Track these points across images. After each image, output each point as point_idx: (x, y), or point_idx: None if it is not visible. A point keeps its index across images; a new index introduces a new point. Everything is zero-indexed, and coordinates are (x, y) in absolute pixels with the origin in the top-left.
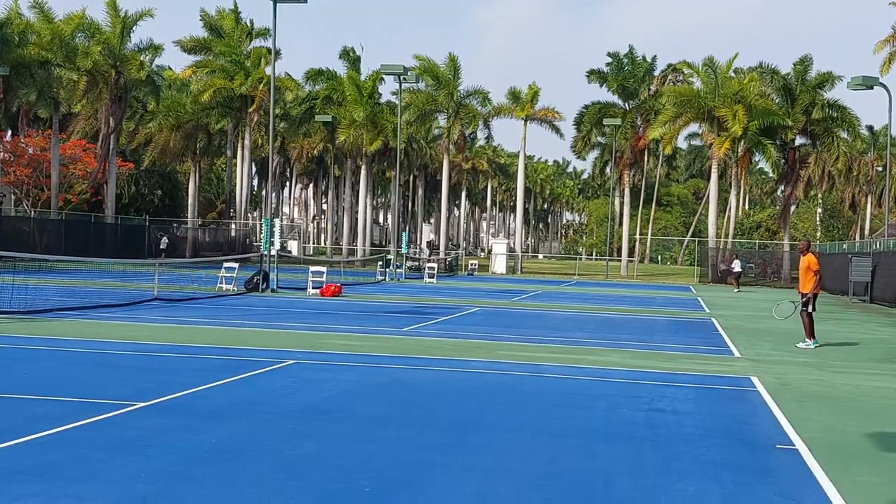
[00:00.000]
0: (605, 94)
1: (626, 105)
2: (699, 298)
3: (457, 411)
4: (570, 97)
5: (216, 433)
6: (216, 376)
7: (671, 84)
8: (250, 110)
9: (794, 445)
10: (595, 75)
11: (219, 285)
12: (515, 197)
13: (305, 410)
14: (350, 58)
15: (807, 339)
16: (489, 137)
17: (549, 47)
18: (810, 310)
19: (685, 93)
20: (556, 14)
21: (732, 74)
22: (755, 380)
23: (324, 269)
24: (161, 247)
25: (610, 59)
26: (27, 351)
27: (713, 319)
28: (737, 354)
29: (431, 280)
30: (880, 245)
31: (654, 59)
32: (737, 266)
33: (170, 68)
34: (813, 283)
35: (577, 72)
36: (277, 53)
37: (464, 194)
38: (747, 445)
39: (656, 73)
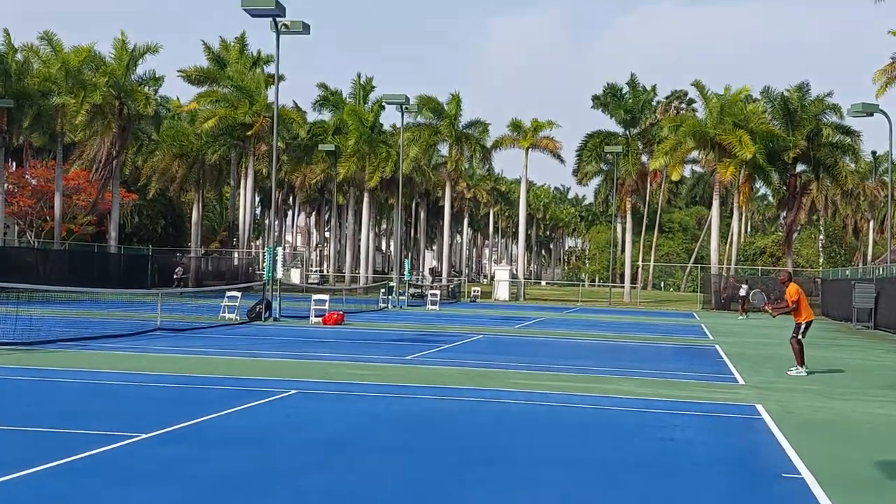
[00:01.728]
0: (607, 121)
1: (628, 132)
2: (703, 325)
3: (462, 441)
4: (569, 120)
5: (218, 465)
6: (218, 407)
7: (674, 112)
8: (249, 133)
9: (799, 474)
10: (598, 101)
11: (221, 314)
12: (517, 223)
13: (307, 441)
14: (361, 87)
15: (797, 367)
16: (490, 169)
17: (548, 72)
18: (799, 337)
19: (687, 122)
20: (555, 40)
21: (742, 95)
22: (760, 407)
23: (326, 297)
24: (174, 276)
25: (608, 90)
26: (30, 382)
27: (717, 346)
28: (741, 382)
29: (434, 307)
30: (883, 271)
31: (653, 87)
32: (743, 291)
33: (177, 99)
34: (797, 312)
35: (576, 95)
36: (281, 78)
37: (466, 221)
38: (753, 474)
39: (658, 100)
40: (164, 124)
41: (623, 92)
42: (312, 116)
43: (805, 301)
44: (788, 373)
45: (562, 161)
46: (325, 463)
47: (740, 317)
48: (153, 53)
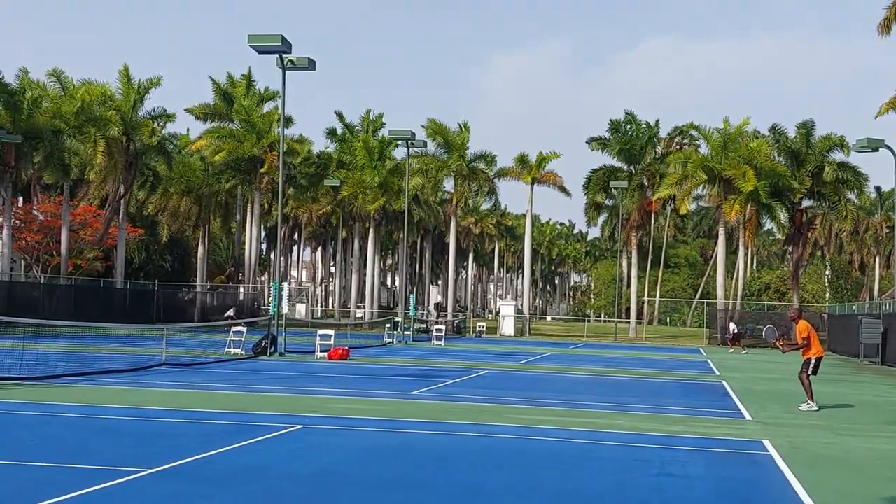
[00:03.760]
0: (610, 158)
1: (632, 168)
2: (709, 360)
3: (464, 476)
4: (572, 155)
5: (223, 500)
6: (223, 442)
7: (678, 147)
8: (262, 171)
9: None
10: (597, 143)
11: (227, 349)
12: (523, 258)
13: (312, 476)
14: (371, 122)
15: (808, 402)
16: (496, 202)
17: (551, 108)
18: (809, 372)
19: (693, 157)
20: (557, 75)
21: (746, 129)
22: (766, 443)
23: (331, 332)
24: (226, 317)
25: (611, 127)
26: (35, 417)
27: (723, 382)
28: (748, 417)
29: (439, 342)
30: (890, 307)
31: (657, 123)
32: (732, 327)
33: (187, 133)
34: (807, 348)
35: (578, 129)
36: (288, 120)
37: (471, 256)
38: None
39: (661, 135)
40: (172, 160)
41: (627, 130)
42: (319, 148)
43: (815, 337)
44: (800, 408)
45: (567, 194)
46: (329, 498)
47: (743, 351)
48: (156, 87)
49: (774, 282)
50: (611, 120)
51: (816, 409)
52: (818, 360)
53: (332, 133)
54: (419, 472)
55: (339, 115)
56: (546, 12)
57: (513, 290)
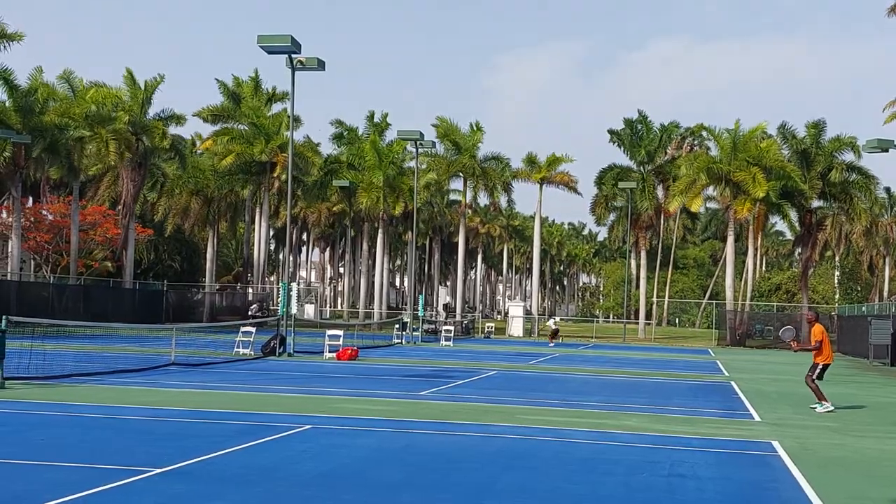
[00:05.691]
0: (621, 156)
1: (643, 169)
2: (718, 362)
3: (473, 476)
4: (579, 157)
5: (232, 500)
6: (232, 442)
7: (689, 148)
8: (274, 174)
9: None
10: (615, 136)
11: (236, 350)
12: (532, 259)
13: (321, 476)
14: (376, 125)
15: (822, 402)
16: (510, 201)
17: (559, 109)
18: (815, 376)
19: (701, 158)
20: (567, 78)
21: (758, 132)
22: (776, 444)
23: (340, 332)
24: (250, 313)
25: (626, 124)
26: (44, 416)
27: (732, 383)
28: (757, 418)
29: (448, 343)
30: None
31: (671, 124)
32: (552, 322)
33: (192, 138)
34: (819, 352)
35: (586, 132)
36: (296, 120)
37: (480, 257)
38: None
39: (673, 136)
40: (185, 161)
41: (639, 129)
42: (326, 150)
43: (828, 343)
44: (817, 410)
45: (578, 193)
46: (339, 499)
47: (551, 344)
48: (160, 85)
49: (785, 283)
50: (625, 118)
51: (832, 409)
52: (825, 366)
53: (338, 137)
54: (427, 473)
55: (340, 123)
56: (552, 13)
57: (521, 291)
